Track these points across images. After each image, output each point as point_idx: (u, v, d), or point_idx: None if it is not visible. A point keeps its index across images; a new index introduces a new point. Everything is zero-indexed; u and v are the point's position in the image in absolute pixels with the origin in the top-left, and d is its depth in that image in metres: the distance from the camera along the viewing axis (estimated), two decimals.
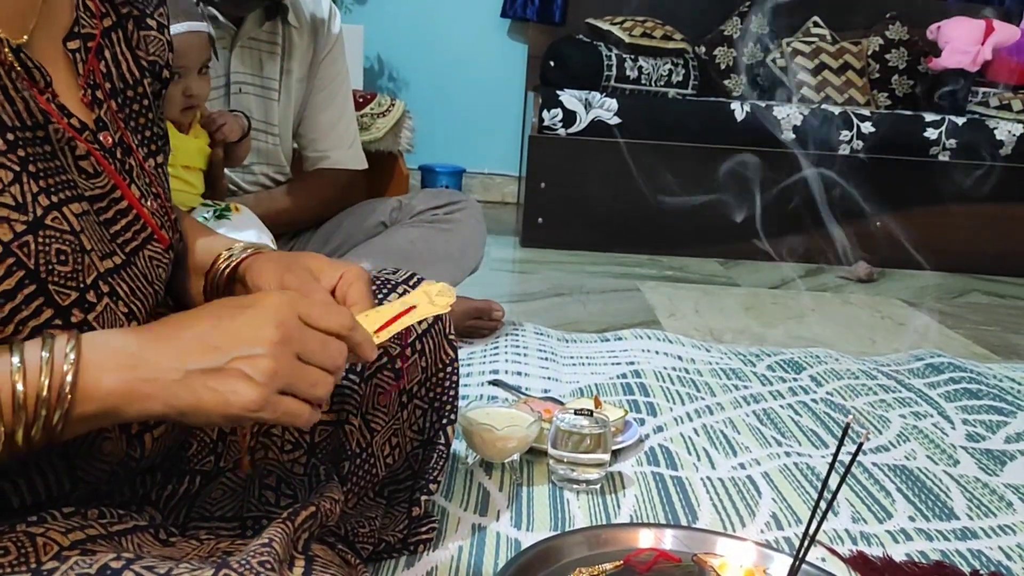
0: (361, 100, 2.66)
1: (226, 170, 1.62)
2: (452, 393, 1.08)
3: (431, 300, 0.77)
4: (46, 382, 0.56)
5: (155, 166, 0.80)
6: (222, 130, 1.45)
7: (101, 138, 0.71)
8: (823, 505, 0.74)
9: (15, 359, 0.56)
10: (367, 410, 0.98)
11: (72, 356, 0.57)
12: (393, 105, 2.69)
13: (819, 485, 1.29)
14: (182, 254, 0.87)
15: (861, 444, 0.73)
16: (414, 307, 0.75)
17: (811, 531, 0.74)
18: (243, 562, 0.61)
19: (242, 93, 1.59)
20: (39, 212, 0.62)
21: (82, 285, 0.65)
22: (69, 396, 0.56)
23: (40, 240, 0.62)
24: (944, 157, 3.16)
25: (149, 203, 0.76)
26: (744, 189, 3.15)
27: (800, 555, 0.78)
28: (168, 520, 0.85)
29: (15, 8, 0.66)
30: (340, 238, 1.77)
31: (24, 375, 0.56)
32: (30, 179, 0.62)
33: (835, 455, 0.73)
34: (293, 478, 0.93)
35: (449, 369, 1.07)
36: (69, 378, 0.56)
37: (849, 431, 0.73)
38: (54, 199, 0.64)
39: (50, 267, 0.62)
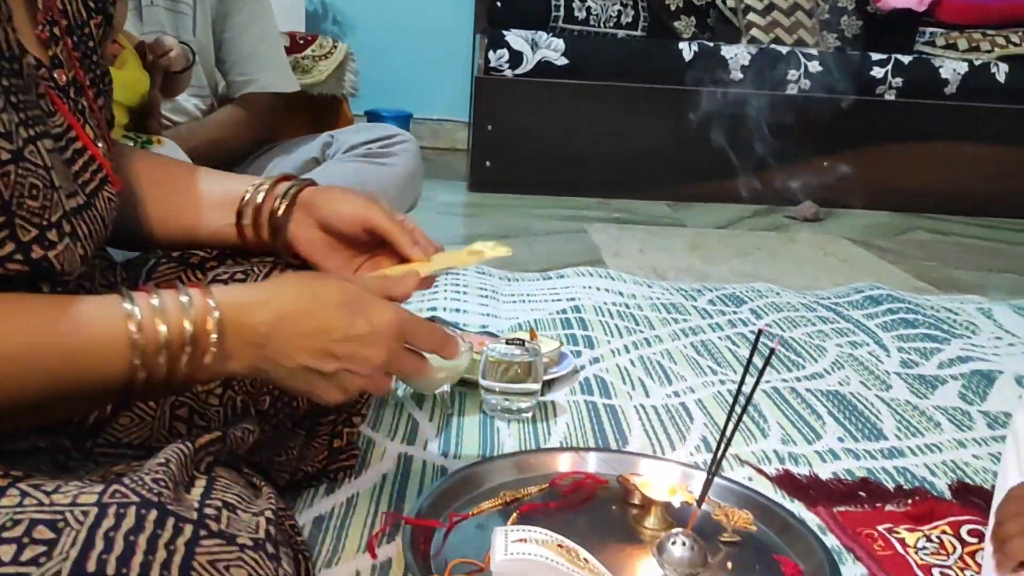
0: (301, 42, 2.58)
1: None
2: None
3: (490, 249, 0.83)
4: (190, 328, 0.61)
5: (100, 107, 0.78)
6: (168, 56, 1.38)
7: (56, 76, 0.70)
8: (738, 410, 0.73)
9: (155, 301, 0.60)
10: None
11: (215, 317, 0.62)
12: (335, 47, 2.61)
13: (751, 410, 1.30)
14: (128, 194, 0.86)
15: (773, 350, 0.72)
16: (480, 252, 0.82)
17: (727, 434, 0.74)
18: (136, 479, 0.58)
19: (153, 6, 1.53)
20: (20, 143, 0.61)
21: (45, 223, 0.64)
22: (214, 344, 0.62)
23: (19, 172, 0.60)
24: (890, 96, 3.16)
25: (101, 145, 0.74)
26: (693, 130, 3.14)
27: (715, 462, 0.77)
28: (75, 446, 0.82)
29: None
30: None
31: (166, 318, 0.60)
32: (12, 109, 0.61)
33: (748, 360, 0.72)
34: (208, 409, 0.90)
35: None
36: (214, 337, 0.62)
37: (762, 339, 0.72)
38: (31, 132, 0.63)
39: (21, 200, 0.61)
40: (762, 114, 3.08)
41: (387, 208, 0.87)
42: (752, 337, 1.64)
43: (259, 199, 0.86)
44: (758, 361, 0.76)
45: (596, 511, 0.97)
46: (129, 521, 0.50)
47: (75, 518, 0.50)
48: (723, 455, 0.76)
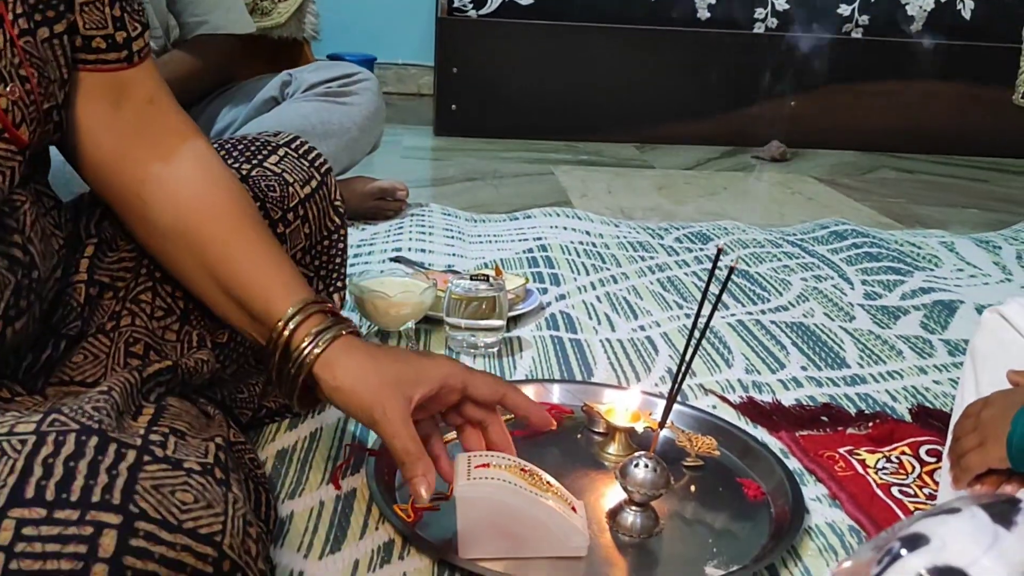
0: None
1: None
2: (339, 260, 1.04)
3: None
4: None
5: (50, 35, 0.69)
6: None
7: None
8: (697, 333, 0.73)
9: None
10: None
11: None
12: None
13: (716, 342, 1.30)
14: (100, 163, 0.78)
15: (732, 269, 0.72)
16: None
17: (687, 357, 0.73)
18: (75, 407, 0.57)
19: None
20: None
21: None
22: None
23: None
24: (857, 34, 3.15)
25: (9, 89, 0.66)
26: (660, 71, 3.11)
27: (677, 382, 0.77)
28: (25, 387, 0.80)
29: None
30: (229, 117, 1.68)
31: None
32: None
33: (708, 279, 0.72)
34: (164, 344, 0.88)
35: (335, 236, 1.03)
36: None
37: (721, 257, 0.72)
38: None
39: None
40: (729, 54, 3.07)
41: (408, 398, 0.71)
42: (718, 273, 1.64)
43: (287, 333, 0.73)
44: (719, 286, 0.76)
45: (561, 440, 0.97)
46: (69, 447, 0.49)
47: (12, 447, 0.49)
48: (685, 373, 0.75)
